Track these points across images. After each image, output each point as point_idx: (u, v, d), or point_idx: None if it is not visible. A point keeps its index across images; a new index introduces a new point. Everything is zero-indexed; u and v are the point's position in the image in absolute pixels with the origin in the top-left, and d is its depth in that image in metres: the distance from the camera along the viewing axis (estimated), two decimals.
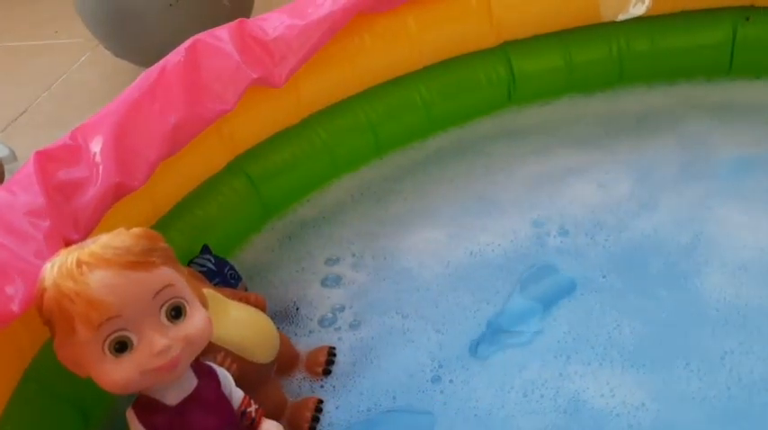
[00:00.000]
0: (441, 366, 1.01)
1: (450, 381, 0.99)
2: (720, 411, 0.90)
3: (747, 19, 1.37)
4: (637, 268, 1.11)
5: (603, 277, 1.10)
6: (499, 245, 1.18)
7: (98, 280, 0.67)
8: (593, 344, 1.00)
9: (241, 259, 1.23)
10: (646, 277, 1.09)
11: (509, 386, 0.97)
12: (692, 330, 1.00)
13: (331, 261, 1.22)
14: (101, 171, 0.93)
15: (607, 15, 1.39)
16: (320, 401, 0.98)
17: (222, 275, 1.06)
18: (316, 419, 0.96)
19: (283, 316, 1.13)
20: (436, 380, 0.99)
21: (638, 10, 1.37)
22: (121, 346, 0.68)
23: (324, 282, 1.18)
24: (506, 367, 1.00)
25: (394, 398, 0.98)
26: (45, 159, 0.91)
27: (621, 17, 1.38)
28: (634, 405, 0.92)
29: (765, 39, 1.37)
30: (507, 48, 1.43)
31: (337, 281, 1.18)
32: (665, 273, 1.09)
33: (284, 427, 0.83)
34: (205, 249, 1.10)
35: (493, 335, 1.05)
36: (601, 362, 0.98)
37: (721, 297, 1.03)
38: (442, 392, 0.98)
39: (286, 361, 1.02)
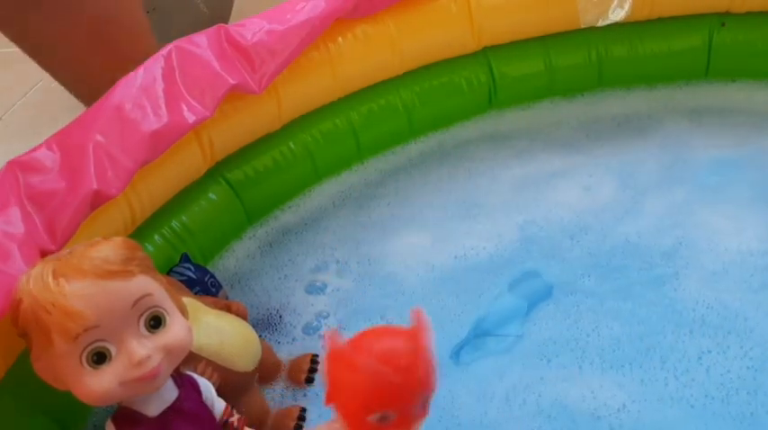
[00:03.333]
0: None
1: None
2: (698, 410, 0.91)
3: (723, 25, 1.39)
4: (618, 272, 1.11)
5: (584, 281, 1.10)
6: (484, 248, 1.19)
7: (75, 290, 0.66)
8: (572, 348, 1.01)
9: (222, 267, 1.22)
10: (626, 281, 1.10)
11: (491, 392, 0.97)
12: (669, 331, 1.01)
13: (314, 267, 1.21)
14: (77, 179, 0.91)
15: (586, 22, 1.40)
16: (303, 410, 0.97)
17: (203, 284, 1.05)
18: (299, 428, 0.95)
19: (266, 324, 1.12)
20: None
21: (616, 16, 1.39)
22: (100, 357, 0.67)
23: (307, 289, 1.17)
24: (487, 373, 0.99)
25: None
26: (19, 168, 0.89)
27: (601, 23, 1.39)
28: (615, 406, 0.92)
29: (740, 43, 1.40)
30: (488, 52, 1.43)
31: (321, 287, 1.17)
32: (646, 276, 1.10)
33: None
34: (185, 258, 1.09)
35: (476, 340, 1.05)
36: (581, 365, 0.98)
37: (700, 299, 1.04)
38: None
39: (268, 369, 1.01)
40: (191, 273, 1.05)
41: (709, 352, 0.97)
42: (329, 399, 0.28)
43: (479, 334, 1.05)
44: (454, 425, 0.93)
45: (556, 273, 1.12)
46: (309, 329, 1.10)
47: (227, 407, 0.78)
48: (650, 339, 1.00)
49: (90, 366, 0.67)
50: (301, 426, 0.95)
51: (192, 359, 0.85)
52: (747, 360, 0.96)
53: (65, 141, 0.95)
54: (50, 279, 0.66)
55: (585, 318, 1.05)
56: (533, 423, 0.92)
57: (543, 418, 0.92)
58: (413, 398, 0.27)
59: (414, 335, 0.28)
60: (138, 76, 1.04)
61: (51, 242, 0.86)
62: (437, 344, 1.03)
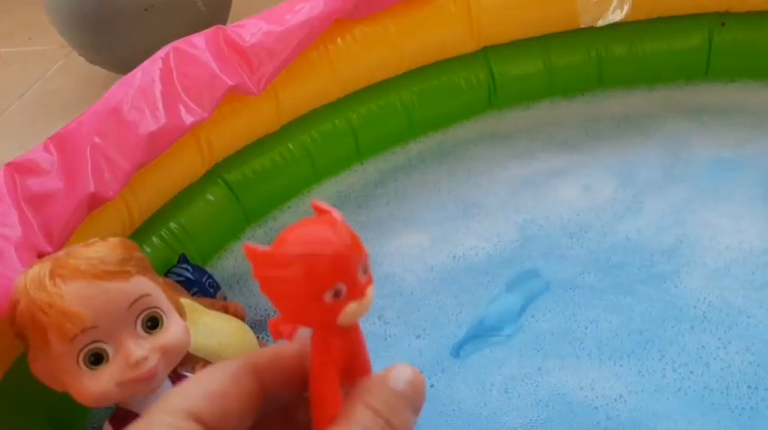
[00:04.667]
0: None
1: (432, 386, 0.98)
2: (696, 401, 0.91)
3: (723, 24, 1.39)
4: (618, 269, 1.11)
5: (584, 278, 1.10)
6: (483, 248, 1.18)
7: (72, 291, 0.66)
8: (570, 339, 1.01)
9: (221, 267, 1.21)
10: (626, 277, 1.09)
11: (489, 384, 0.97)
12: (669, 326, 1.01)
13: None
14: (74, 181, 0.91)
15: (586, 21, 1.39)
16: None
17: (200, 285, 1.05)
18: None
19: (264, 325, 1.11)
20: None
21: (616, 16, 1.38)
22: (97, 358, 0.67)
23: None
24: (486, 366, 1.00)
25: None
26: (16, 170, 0.89)
27: (600, 23, 1.39)
28: (612, 397, 0.93)
29: (740, 43, 1.39)
30: (487, 52, 1.43)
31: None
32: (646, 273, 1.10)
33: None
34: (182, 258, 1.09)
35: (474, 337, 1.04)
36: (579, 356, 0.99)
37: (701, 296, 1.04)
38: None
39: None
40: (188, 274, 1.05)
41: (710, 346, 0.97)
42: (281, 312, 0.29)
43: (478, 333, 1.05)
44: (454, 417, 0.94)
45: (555, 271, 1.12)
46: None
47: None
48: (649, 333, 1.00)
49: (87, 367, 0.67)
50: None
51: (190, 360, 0.84)
52: (749, 355, 0.95)
53: (62, 143, 0.94)
54: (47, 279, 0.66)
55: (584, 311, 1.05)
56: (532, 413, 0.92)
57: (541, 408, 0.93)
58: (351, 264, 0.28)
59: (325, 214, 0.30)
60: (135, 78, 1.04)
61: (48, 244, 0.86)
62: (435, 345, 1.05)
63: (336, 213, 0.29)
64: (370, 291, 0.29)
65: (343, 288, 0.28)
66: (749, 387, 0.91)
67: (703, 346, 0.97)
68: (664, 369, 0.95)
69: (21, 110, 1.88)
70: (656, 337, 0.99)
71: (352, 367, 0.30)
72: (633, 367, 0.96)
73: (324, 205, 0.30)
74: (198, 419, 0.26)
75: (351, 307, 0.28)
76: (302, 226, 0.29)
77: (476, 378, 0.98)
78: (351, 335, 0.30)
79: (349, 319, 0.29)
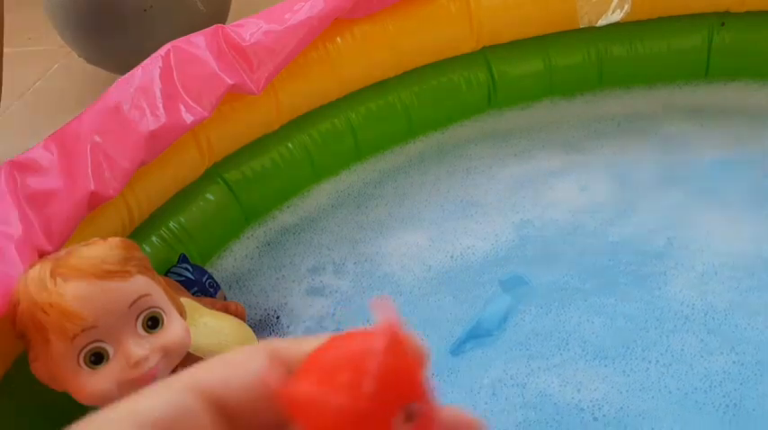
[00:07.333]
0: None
1: None
2: (680, 400, 0.91)
3: (723, 24, 1.39)
4: (607, 271, 1.11)
5: (573, 280, 1.10)
6: (480, 247, 1.19)
7: (72, 290, 0.66)
8: (556, 340, 1.01)
9: (220, 267, 1.21)
10: (613, 279, 1.09)
11: (478, 386, 0.97)
12: (653, 327, 1.01)
13: (312, 268, 1.21)
14: (74, 180, 0.91)
15: (585, 22, 1.40)
16: None
17: (200, 284, 1.05)
18: None
19: (264, 324, 1.11)
20: None
21: (616, 16, 1.38)
22: (97, 358, 0.67)
23: (305, 290, 1.17)
24: (473, 368, 1.00)
25: None
26: (16, 169, 0.89)
27: (600, 23, 1.39)
28: (598, 397, 0.93)
29: (740, 43, 1.39)
30: (487, 52, 1.43)
31: (319, 288, 1.17)
32: (634, 275, 1.10)
33: None
34: (183, 258, 1.08)
35: (469, 339, 1.05)
36: (564, 358, 0.99)
37: (686, 299, 1.04)
38: None
39: None
40: (189, 274, 1.05)
41: (693, 347, 0.97)
42: None
43: (475, 332, 1.05)
44: None
45: (547, 272, 1.12)
46: (307, 330, 1.10)
47: None
48: (633, 334, 1.01)
49: (87, 367, 0.67)
50: None
51: (190, 360, 0.84)
52: (733, 354, 0.96)
53: (62, 142, 0.94)
54: (48, 279, 0.66)
55: (568, 312, 1.05)
56: (519, 415, 0.93)
57: (529, 410, 0.93)
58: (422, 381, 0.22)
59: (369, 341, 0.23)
60: (135, 76, 1.03)
61: (48, 243, 0.86)
62: (433, 344, 1.05)
63: (392, 334, 0.24)
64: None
65: (415, 407, 0.23)
66: (732, 385, 0.92)
67: (685, 346, 0.98)
68: (647, 369, 0.96)
69: (21, 110, 1.88)
70: (639, 338, 1.00)
71: None
72: (618, 367, 0.96)
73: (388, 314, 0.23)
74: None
75: None
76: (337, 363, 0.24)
77: (464, 380, 0.98)
78: None
79: None
